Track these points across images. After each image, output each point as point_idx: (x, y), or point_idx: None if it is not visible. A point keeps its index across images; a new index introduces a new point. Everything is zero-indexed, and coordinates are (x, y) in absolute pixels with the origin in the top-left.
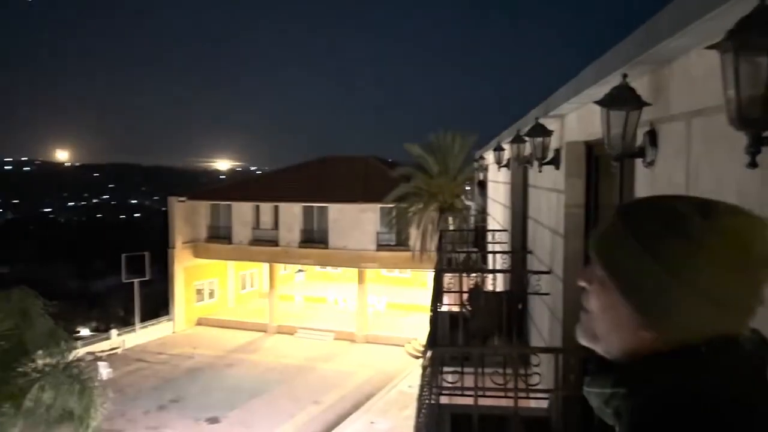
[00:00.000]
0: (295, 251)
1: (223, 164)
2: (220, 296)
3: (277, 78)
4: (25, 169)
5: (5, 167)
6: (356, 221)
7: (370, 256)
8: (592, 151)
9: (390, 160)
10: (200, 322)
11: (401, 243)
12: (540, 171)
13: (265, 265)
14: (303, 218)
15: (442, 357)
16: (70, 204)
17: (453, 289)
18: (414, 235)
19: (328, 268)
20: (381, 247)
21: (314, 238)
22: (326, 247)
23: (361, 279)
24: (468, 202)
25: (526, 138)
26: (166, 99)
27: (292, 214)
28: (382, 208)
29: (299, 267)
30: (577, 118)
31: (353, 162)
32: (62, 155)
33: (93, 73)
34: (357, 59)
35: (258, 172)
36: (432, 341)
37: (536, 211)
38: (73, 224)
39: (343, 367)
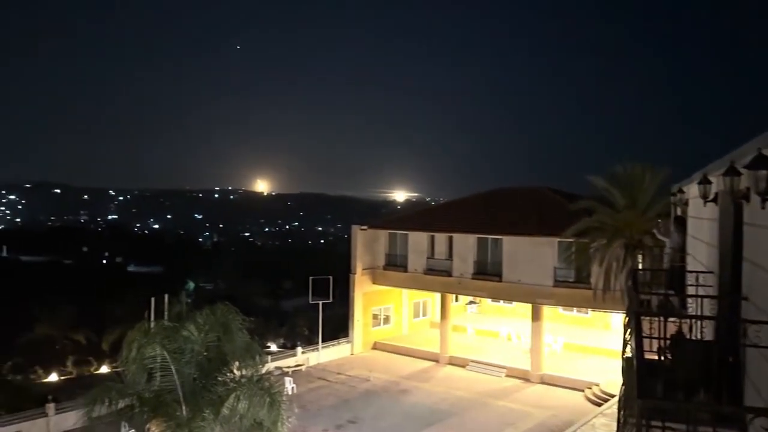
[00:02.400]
0: (468, 282)
1: (400, 195)
2: (395, 323)
3: (449, 112)
4: (230, 197)
5: (215, 195)
6: (532, 255)
7: (547, 292)
8: None
9: (566, 191)
10: (376, 347)
11: (581, 280)
12: (763, 207)
13: (438, 295)
14: (477, 250)
15: (647, 410)
16: (266, 229)
17: (648, 334)
18: (596, 272)
19: (501, 302)
20: (558, 283)
21: (488, 270)
22: (500, 280)
23: (536, 315)
24: (662, 238)
25: (743, 170)
26: (351, 134)
27: (466, 245)
28: (560, 242)
29: (471, 298)
30: None
31: (528, 193)
32: (261, 186)
33: (292, 112)
34: (528, 90)
35: (432, 203)
36: (642, 391)
37: (755, 252)
38: (268, 248)
39: (516, 406)
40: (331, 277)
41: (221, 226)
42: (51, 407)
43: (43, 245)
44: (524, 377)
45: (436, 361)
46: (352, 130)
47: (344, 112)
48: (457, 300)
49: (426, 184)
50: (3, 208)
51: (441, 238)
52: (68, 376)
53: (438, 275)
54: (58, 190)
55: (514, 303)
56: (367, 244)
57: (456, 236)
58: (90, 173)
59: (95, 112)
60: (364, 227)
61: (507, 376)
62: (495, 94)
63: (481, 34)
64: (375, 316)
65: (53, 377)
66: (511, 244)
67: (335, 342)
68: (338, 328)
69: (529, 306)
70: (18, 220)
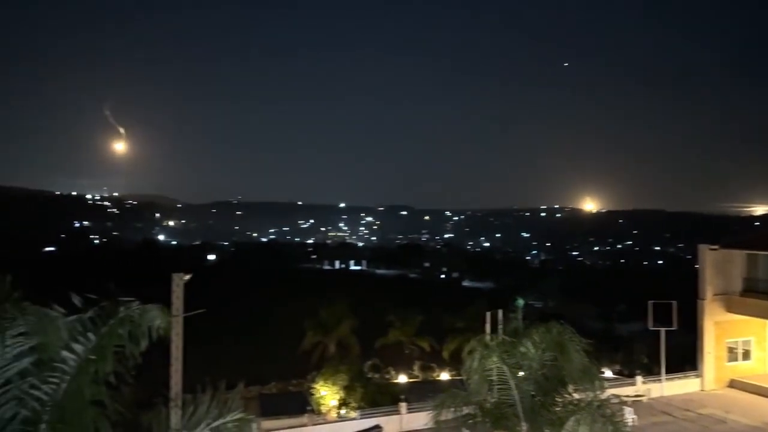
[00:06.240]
0: None
1: (760, 209)
2: (757, 359)
3: None
4: (557, 215)
5: (541, 214)
6: None
7: None
8: None
9: None
10: (733, 384)
11: None
12: None
13: None
14: None
15: None
16: (595, 248)
17: None
18: None
19: None
20: None
21: None
22: None
23: None
24: None
25: None
26: (691, 143)
27: None
28: None
29: None
30: None
31: None
32: (590, 204)
33: (617, 125)
34: None
35: None
36: None
37: None
38: (598, 267)
39: None
40: (674, 302)
41: (548, 244)
42: (403, 406)
43: (393, 260)
44: None
45: None
46: (690, 140)
47: (680, 121)
48: None
49: None
50: (363, 229)
51: None
52: (414, 380)
53: None
54: (405, 212)
55: None
56: (718, 266)
57: None
58: (429, 196)
59: (423, 140)
60: (714, 247)
61: None
62: None
63: None
64: (731, 350)
65: (402, 379)
66: None
67: (681, 374)
68: (683, 359)
69: None
70: (374, 238)
